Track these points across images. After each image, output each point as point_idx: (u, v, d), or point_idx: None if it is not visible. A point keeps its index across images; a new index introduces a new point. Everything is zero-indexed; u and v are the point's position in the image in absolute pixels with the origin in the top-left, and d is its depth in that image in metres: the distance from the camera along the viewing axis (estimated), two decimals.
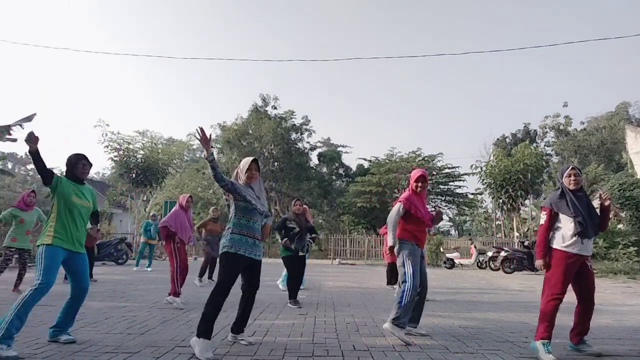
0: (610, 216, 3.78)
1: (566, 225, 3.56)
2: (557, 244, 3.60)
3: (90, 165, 3.77)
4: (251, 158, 3.71)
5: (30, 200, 6.77)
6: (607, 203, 3.62)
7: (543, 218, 3.67)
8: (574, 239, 3.49)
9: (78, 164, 3.65)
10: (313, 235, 6.49)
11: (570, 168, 3.68)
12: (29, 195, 6.81)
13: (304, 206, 6.71)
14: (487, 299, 6.95)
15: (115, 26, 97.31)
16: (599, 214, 3.62)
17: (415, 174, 4.36)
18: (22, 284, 6.76)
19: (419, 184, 4.26)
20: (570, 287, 3.57)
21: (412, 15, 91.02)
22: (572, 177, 3.62)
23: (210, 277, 8.81)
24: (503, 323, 4.75)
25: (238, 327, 3.63)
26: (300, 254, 6.11)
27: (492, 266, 14.84)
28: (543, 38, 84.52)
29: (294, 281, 6.07)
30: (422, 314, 4.20)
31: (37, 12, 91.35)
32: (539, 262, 3.61)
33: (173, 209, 6.34)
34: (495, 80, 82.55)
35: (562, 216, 3.59)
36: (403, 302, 3.84)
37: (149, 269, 11.95)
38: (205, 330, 3.22)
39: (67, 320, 3.60)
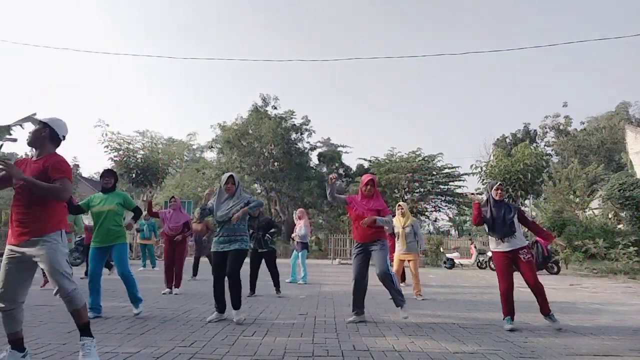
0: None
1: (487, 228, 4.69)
2: (491, 246, 4.73)
3: (113, 178, 4.93)
4: (228, 174, 4.77)
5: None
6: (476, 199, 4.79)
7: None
8: (495, 239, 4.62)
9: (102, 178, 4.95)
10: (271, 231, 6.95)
11: (498, 184, 4.73)
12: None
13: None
14: (487, 299, 6.95)
15: (116, 26, 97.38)
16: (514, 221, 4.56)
17: (365, 178, 4.89)
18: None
19: (368, 187, 4.80)
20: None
21: (412, 14, 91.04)
22: (499, 192, 4.68)
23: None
24: (503, 323, 4.75)
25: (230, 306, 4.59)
26: (260, 250, 6.88)
27: (492, 266, 14.83)
28: (543, 38, 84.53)
29: (253, 275, 6.91)
30: (400, 304, 4.79)
31: (37, 11, 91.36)
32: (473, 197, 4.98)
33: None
34: (495, 80, 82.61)
35: (486, 220, 4.66)
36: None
37: (154, 267, 12.11)
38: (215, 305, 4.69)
39: (131, 297, 4.83)
